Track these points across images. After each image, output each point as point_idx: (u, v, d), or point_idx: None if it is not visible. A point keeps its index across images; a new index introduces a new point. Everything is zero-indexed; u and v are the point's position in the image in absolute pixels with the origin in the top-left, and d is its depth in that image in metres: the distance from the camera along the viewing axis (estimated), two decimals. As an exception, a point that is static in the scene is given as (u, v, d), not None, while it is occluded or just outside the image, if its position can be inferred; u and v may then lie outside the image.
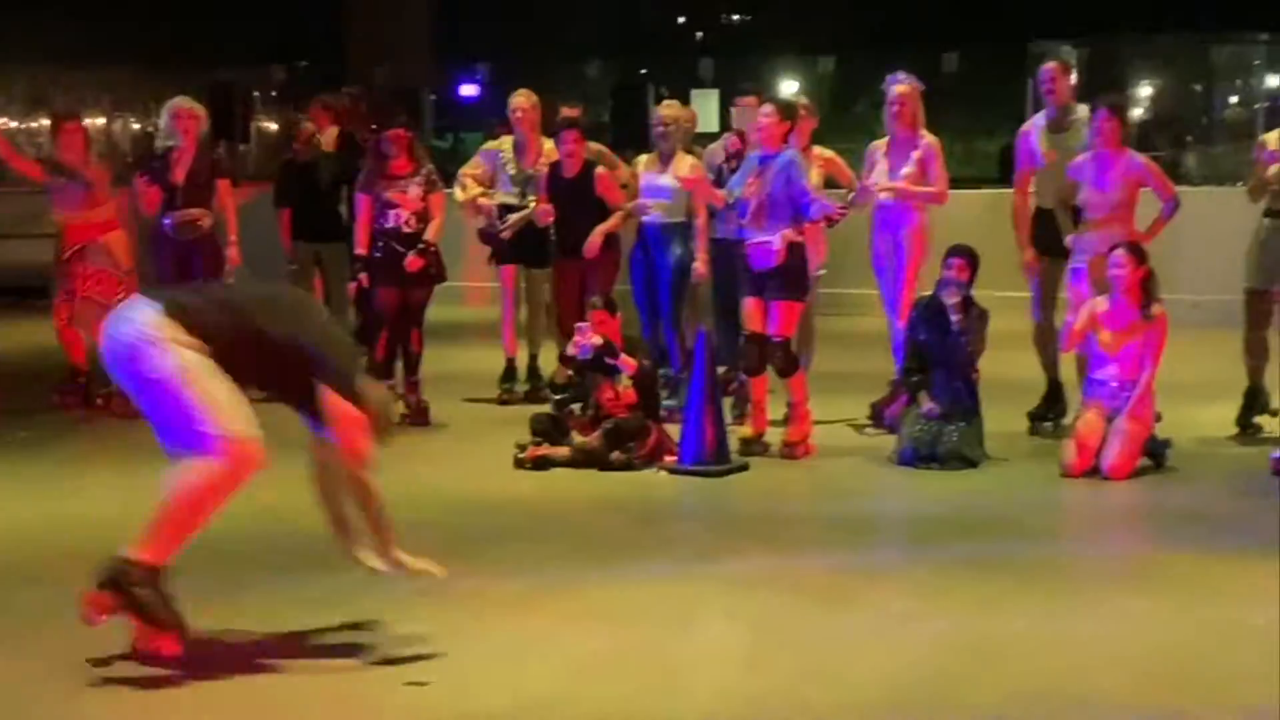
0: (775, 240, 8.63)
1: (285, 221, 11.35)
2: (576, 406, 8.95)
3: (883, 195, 9.51)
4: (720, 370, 9.21)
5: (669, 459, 8.52)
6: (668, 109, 10.30)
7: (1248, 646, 5.41)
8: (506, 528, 7.38)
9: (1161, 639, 5.57)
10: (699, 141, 11.24)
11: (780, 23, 32.28)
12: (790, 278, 8.77)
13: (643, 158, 10.41)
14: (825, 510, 7.71)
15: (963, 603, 6.06)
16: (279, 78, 24.14)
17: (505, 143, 10.81)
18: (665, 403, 9.36)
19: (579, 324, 8.84)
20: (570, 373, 9.42)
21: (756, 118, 8.94)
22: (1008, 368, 9.68)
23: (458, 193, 10.70)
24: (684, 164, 10.02)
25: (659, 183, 10.07)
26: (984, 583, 6.31)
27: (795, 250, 8.75)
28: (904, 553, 6.86)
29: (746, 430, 8.94)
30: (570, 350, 8.77)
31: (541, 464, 8.51)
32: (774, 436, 8.95)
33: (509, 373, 10.81)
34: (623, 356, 8.69)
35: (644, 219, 10.16)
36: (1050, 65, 9.85)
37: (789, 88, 21.80)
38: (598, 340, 8.71)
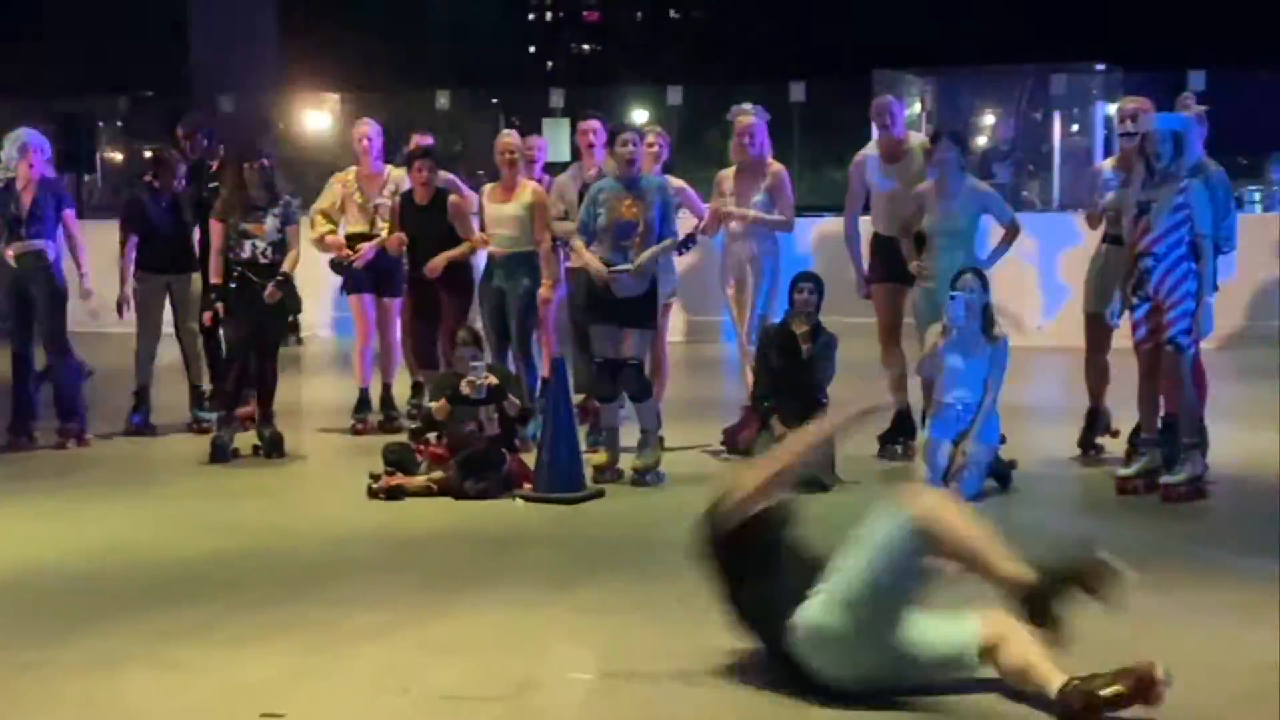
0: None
1: (128, 252, 11.18)
2: (431, 436, 8.92)
3: (732, 224, 9.65)
4: (577, 398, 9.25)
5: (524, 487, 8.53)
6: (508, 138, 10.31)
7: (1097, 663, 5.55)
8: (362, 558, 7.34)
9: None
10: (551, 171, 11.28)
11: (630, 53, 32.51)
12: (644, 304, 8.86)
13: (487, 187, 10.43)
14: (678, 535, 7.70)
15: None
16: (123, 108, 23.75)
17: (350, 173, 10.79)
18: (525, 431, 9.38)
19: (474, 364, 8.80)
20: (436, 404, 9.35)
21: (601, 143, 9.06)
22: (856, 392, 9.80)
23: (309, 229, 10.65)
24: (526, 192, 10.05)
25: (504, 212, 10.09)
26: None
27: (654, 279, 8.85)
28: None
29: (601, 457, 8.98)
30: (465, 390, 8.72)
31: (395, 494, 8.47)
32: (627, 463, 9.00)
33: (362, 403, 10.75)
34: (510, 398, 8.73)
35: (490, 248, 10.18)
36: (884, 98, 10.06)
37: (639, 117, 21.93)
38: (493, 381, 8.73)
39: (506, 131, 10.56)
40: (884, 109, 9.80)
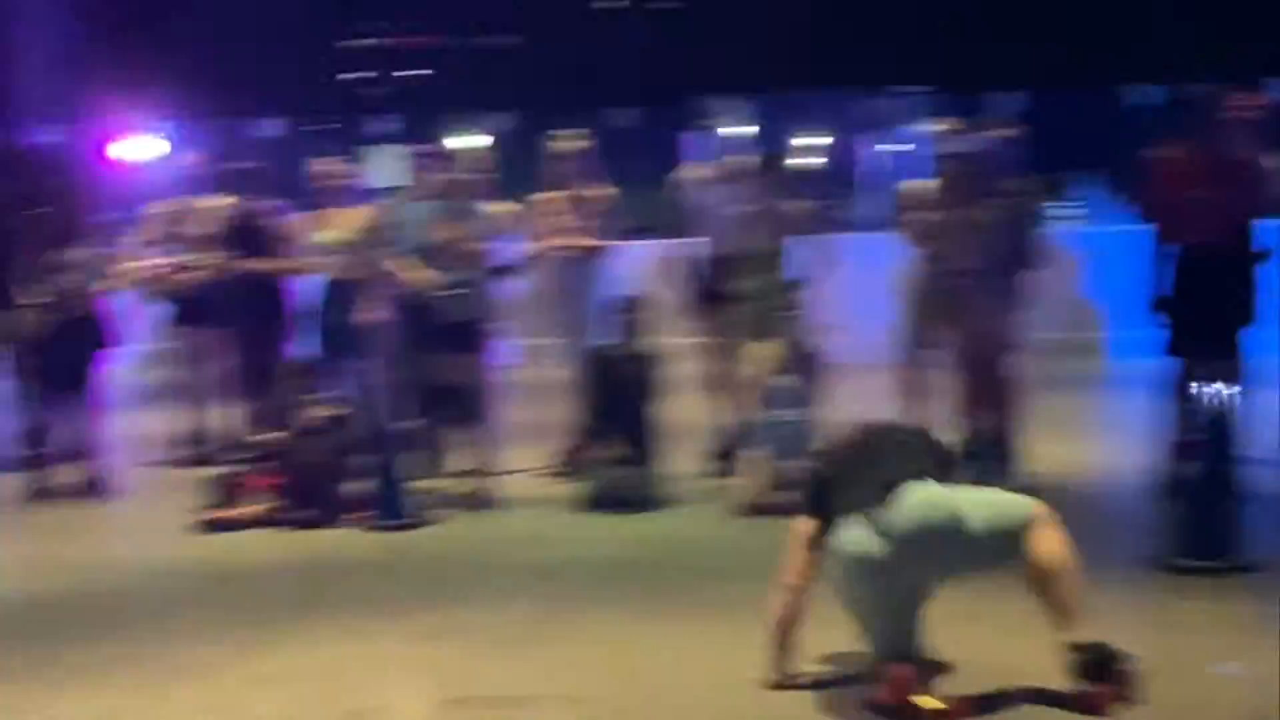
0: (474, 291, 8.82)
1: None
2: (262, 465, 8.82)
3: (560, 252, 9.71)
4: (410, 424, 9.21)
5: (355, 515, 8.47)
6: (326, 164, 10.23)
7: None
8: (189, 593, 7.24)
9: (843, 666, 5.74)
10: (379, 196, 11.23)
11: (461, 79, 32.43)
12: (474, 329, 8.89)
13: (309, 214, 10.34)
14: (512, 558, 7.77)
15: (642, 642, 6.20)
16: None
17: (178, 203, 10.65)
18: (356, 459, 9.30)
19: (306, 395, 8.72)
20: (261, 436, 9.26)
21: (437, 169, 9.05)
22: (684, 411, 9.90)
23: (129, 266, 10.47)
24: (350, 218, 9.98)
25: (326, 239, 10.01)
26: (662, 622, 6.46)
27: (486, 302, 8.91)
28: (590, 597, 6.95)
29: (436, 483, 8.95)
30: (300, 421, 8.64)
31: (226, 526, 8.37)
32: (462, 487, 8.98)
33: (189, 435, 10.59)
34: (342, 426, 8.71)
35: (319, 276, 10.10)
36: (709, 121, 10.21)
37: (468, 141, 21.93)
38: (327, 412, 8.66)
39: (325, 159, 10.48)
40: (715, 131, 9.96)
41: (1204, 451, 7.12)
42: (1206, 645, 5.86)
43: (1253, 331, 8.65)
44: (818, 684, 5.56)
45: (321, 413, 8.67)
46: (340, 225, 9.97)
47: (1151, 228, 8.74)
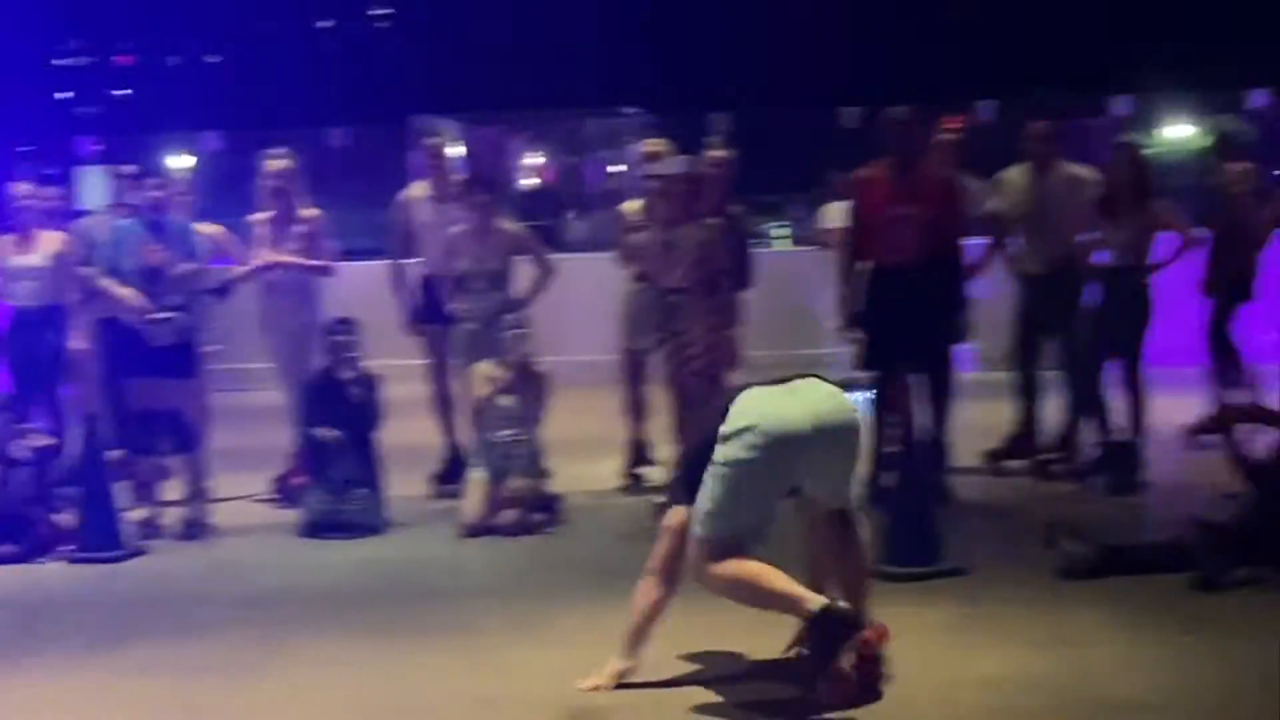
0: (180, 314, 8.62)
1: None
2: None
3: (272, 274, 9.57)
4: (121, 452, 8.98)
5: (64, 547, 8.21)
6: (23, 187, 9.89)
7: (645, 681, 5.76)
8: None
9: (551, 686, 5.78)
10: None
11: (167, 99, 31.74)
12: (183, 353, 8.70)
13: (3, 239, 9.96)
14: (228, 588, 7.62)
15: (365, 667, 6.15)
16: None
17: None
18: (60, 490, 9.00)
19: (19, 425, 8.41)
20: None
21: (143, 189, 8.85)
22: (406, 434, 9.86)
23: None
24: (49, 242, 9.67)
25: (22, 264, 9.67)
26: (390, 646, 6.42)
27: (192, 326, 8.72)
28: (310, 624, 6.86)
29: (144, 512, 8.72)
30: (15, 453, 8.32)
31: (-77, 563, 8.03)
32: (175, 516, 8.78)
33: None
34: (51, 459, 8.46)
35: (11, 302, 9.74)
36: (435, 143, 10.20)
37: (175, 162, 21.46)
38: (46, 442, 8.37)
39: (20, 182, 10.12)
40: (436, 150, 9.97)
41: (905, 461, 7.36)
42: (915, 648, 6.06)
43: (961, 347, 9.00)
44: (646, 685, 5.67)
45: (25, 444, 8.38)
46: (41, 249, 9.64)
47: (846, 246, 9.02)
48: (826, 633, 5.35)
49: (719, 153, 9.57)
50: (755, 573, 5.47)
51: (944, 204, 8.83)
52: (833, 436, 5.60)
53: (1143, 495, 8.84)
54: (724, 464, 5.52)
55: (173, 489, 9.06)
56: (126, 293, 8.68)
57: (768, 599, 5.48)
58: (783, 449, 5.52)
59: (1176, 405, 10.33)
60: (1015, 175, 9.68)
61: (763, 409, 5.57)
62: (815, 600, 5.40)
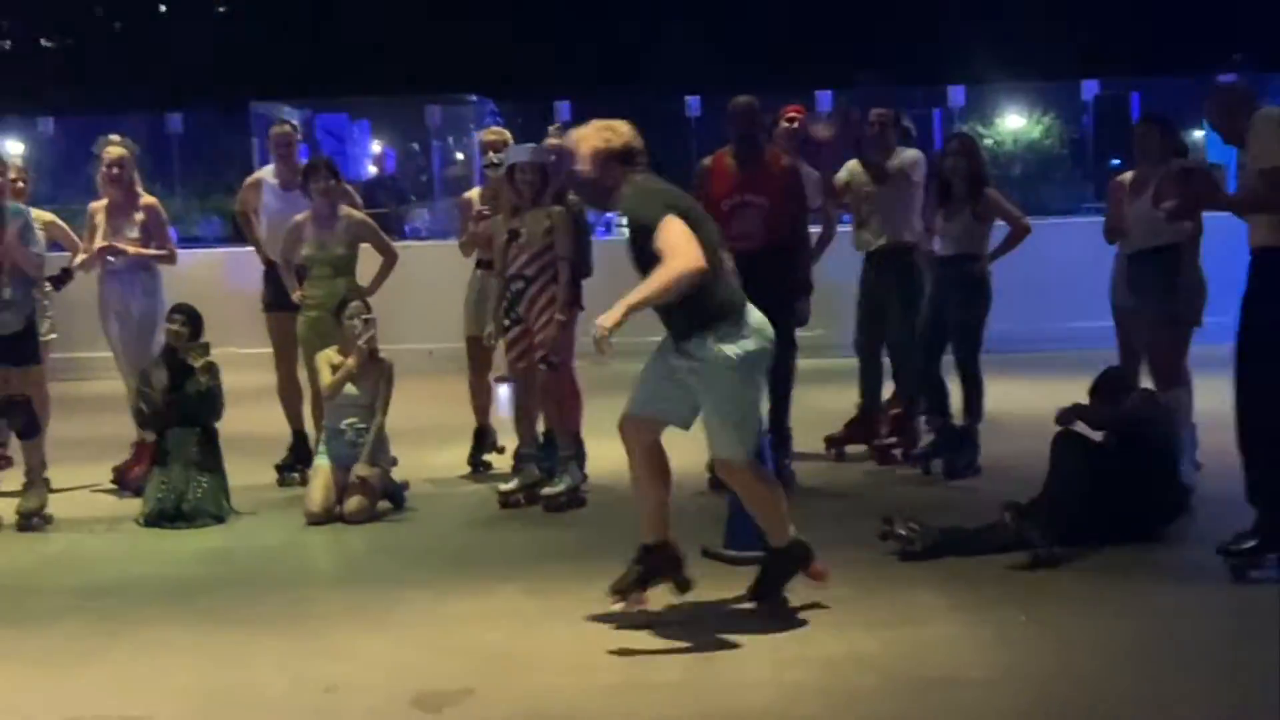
0: (23, 303, 8.55)
1: None
2: None
3: (111, 258, 9.44)
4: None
5: (-107, 541, 8.05)
6: None
7: (480, 665, 5.80)
8: None
9: (394, 672, 5.83)
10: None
11: (6, 80, 31.05)
12: (23, 340, 8.58)
13: None
14: (65, 578, 7.52)
15: (206, 655, 6.13)
16: None
17: None
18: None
19: None
20: None
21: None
22: (250, 422, 9.78)
23: None
24: None
25: None
26: (233, 633, 6.40)
27: (31, 314, 8.63)
28: (153, 613, 6.79)
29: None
30: None
31: None
32: (7, 507, 8.64)
33: None
34: None
35: None
36: (282, 130, 10.12)
37: (11, 147, 21.01)
38: None
39: None
40: (285, 137, 9.90)
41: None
42: (753, 629, 6.19)
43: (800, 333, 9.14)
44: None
45: None
46: None
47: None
48: (793, 559, 6.39)
49: (560, 140, 9.62)
50: (774, 486, 6.46)
51: (787, 192, 8.97)
52: None
53: (979, 479, 9.05)
54: (752, 381, 6.25)
55: (10, 479, 8.91)
56: None
57: (772, 512, 6.37)
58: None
59: (1013, 390, 10.59)
60: (851, 164, 9.86)
61: (764, 325, 6.24)
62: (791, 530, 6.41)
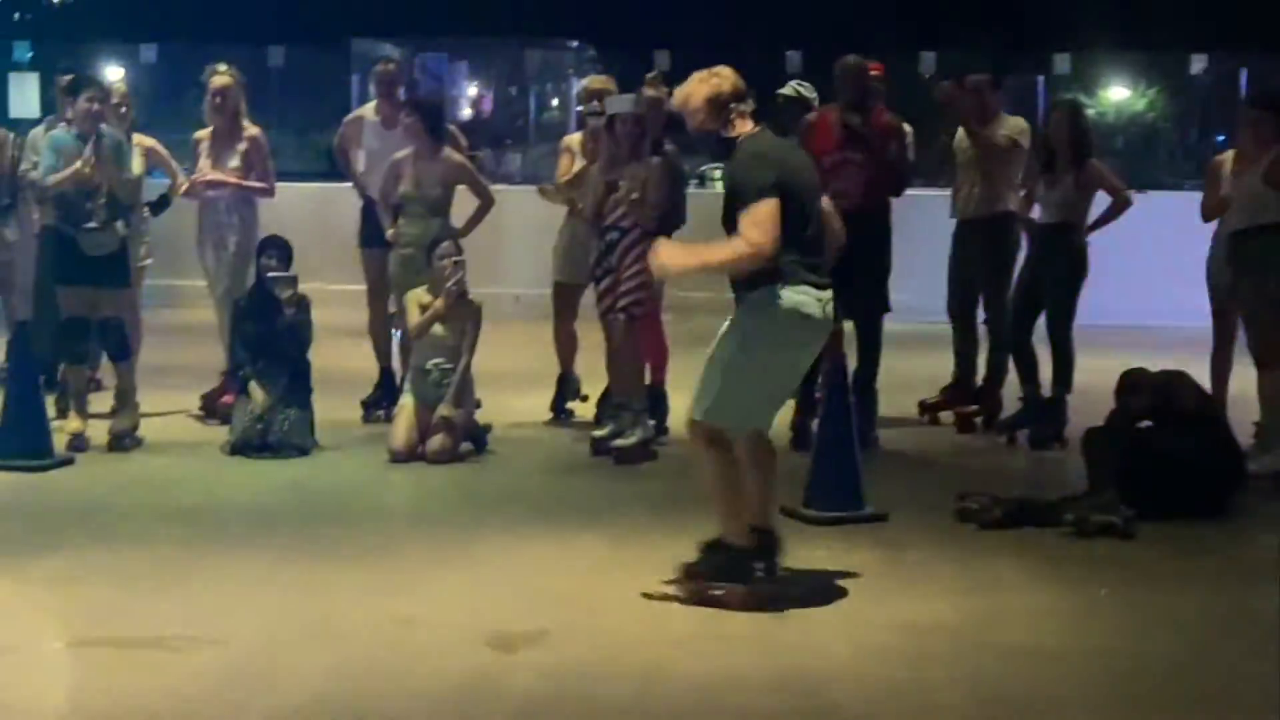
0: (120, 225, 8.60)
1: None
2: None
3: (211, 192, 9.52)
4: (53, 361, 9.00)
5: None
6: None
7: (554, 608, 5.82)
8: None
9: (470, 611, 5.87)
10: (17, 127, 10.79)
11: (104, 7, 31.31)
12: (117, 262, 8.68)
13: None
14: (154, 502, 7.63)
15: (286, 585, 6.19)
16: None
17: None
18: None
19: None
20: None
21: (85, 100, 8.77)
22: (339, 358, 9.85)
23: None
24: None
25: None
26: (312, 564, 6.47)
27: (126, 237, 8.74)
28: (235, 540, 6.88)
29: (74, 423, 8.68)
30: None
31: None
32: (103, 428, 8.76)
33: None
34: None
35: None
36: (386, 68, 10.13)
37: (113, 74, 21.22)
38: None
39: None
40: (388, 75, 9.92)
41: (831, 407, 7.43)
42: (829, 590, 6.18)
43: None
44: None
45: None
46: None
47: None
48: (730, 564, 6.00)
49: (657, 91, 9.56)
50: (728, 474, 6.08)
51: (890, 151, 8.91)
52: None
53: (1064, 450, 8.97)
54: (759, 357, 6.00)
55: (99, 402, 9.04)
56: (65, 175, 8.58)
57: (720, 499, 6.08)
58: None
59: (1105, 364, 10.45)
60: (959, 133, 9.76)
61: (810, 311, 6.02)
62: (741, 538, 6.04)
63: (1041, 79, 20.24)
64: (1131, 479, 7.19)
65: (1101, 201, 9.34)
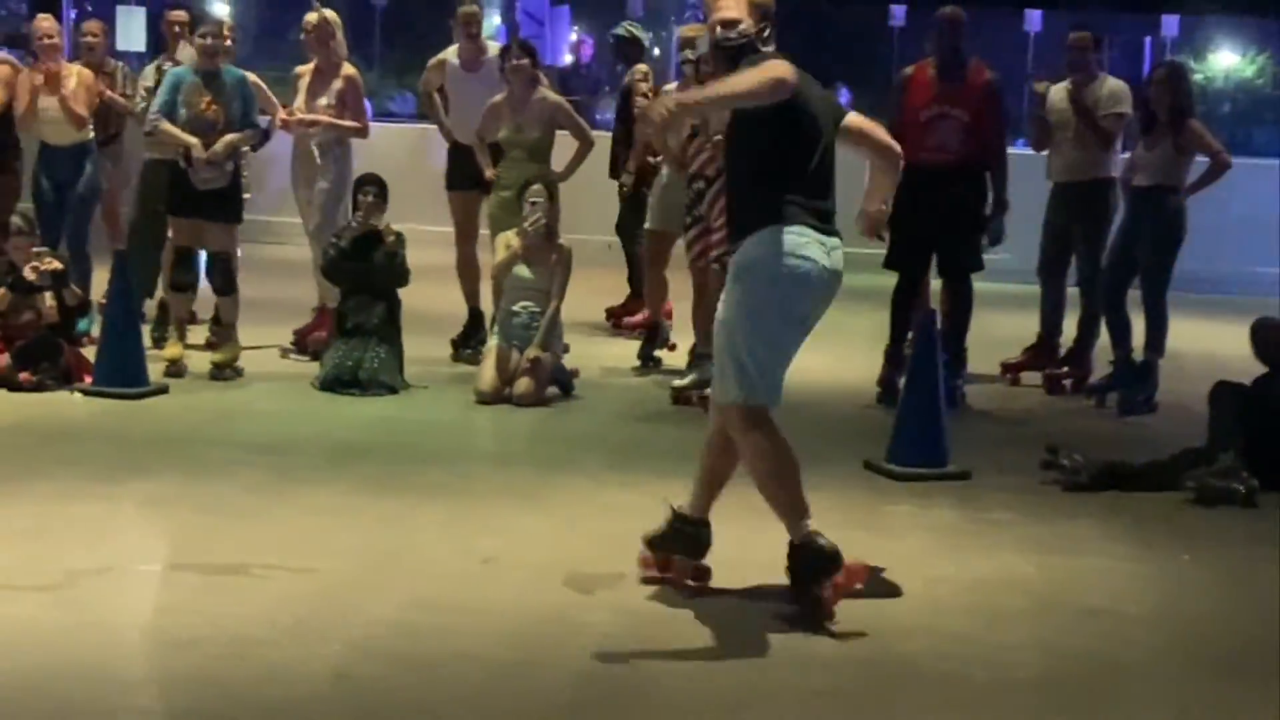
0: (227, 162, 8.77)
1: None
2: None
3: (300, 128, 9.60)
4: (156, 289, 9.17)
5: (84, 381, 8.33)
6: (44, 21, 9.87)
7: (632, 553, 5.86)
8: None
9: (549, 551, 5.93)
10: (123, 58, 10.95)
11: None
12: (227, 197, 8.82)
13: (26, 73, 9.92)
14: (242, 432, 7.75)
15: (370, 518, 6.29)
16: None
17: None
18: (81, 326, 9.13)
19: (36, 249, 8.49)
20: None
21: (203, 36, 8.90)
22: (429, 299, 9.93)
23: None
24: (74, 78, 9.68)
25: (48, 102, 9.67)
26: (396, 500, 6.55)
27: (237, 172, 8.88)
28: (321, 473, 6.98)
29: (174, 350, 8.84)
30: (29, 275, 8.42)
31: (-56, 386, 8.17)
32: (200, 357, 8.92)
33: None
34: (71, 287, 8.49)
35: (43, 140, 9.77)
36: (469, 10, 10.14)
37: (219, 10, 21.39)
38: (57, 266, 8.47)
39: (43, 15, 10.09)
40: (471, 18, 9.94)
41: (918, 363, 7.41)
42: (908, 546, 6.18)
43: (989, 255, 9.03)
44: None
45: (56, 268, 8.47)
46: (67, 85, 9.65)
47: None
48: (816, 557, 5.23)
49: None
50: (782, 456, 5.37)
51: (987, 107, 8.83)
52: None
53: (1153, 416, 8.90)
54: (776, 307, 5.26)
55: (202, 331, 9.20)
56: (178, 133, 8.71)
57: (778, 491, 5.34)
58: None
59: (1201, 330, 10.35)
60: (1056, 87, 9.66)
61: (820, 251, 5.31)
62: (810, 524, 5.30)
63: (1149, 40, 19.94)
64: (1252, 437, 7.09)
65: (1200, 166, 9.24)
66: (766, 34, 5.24)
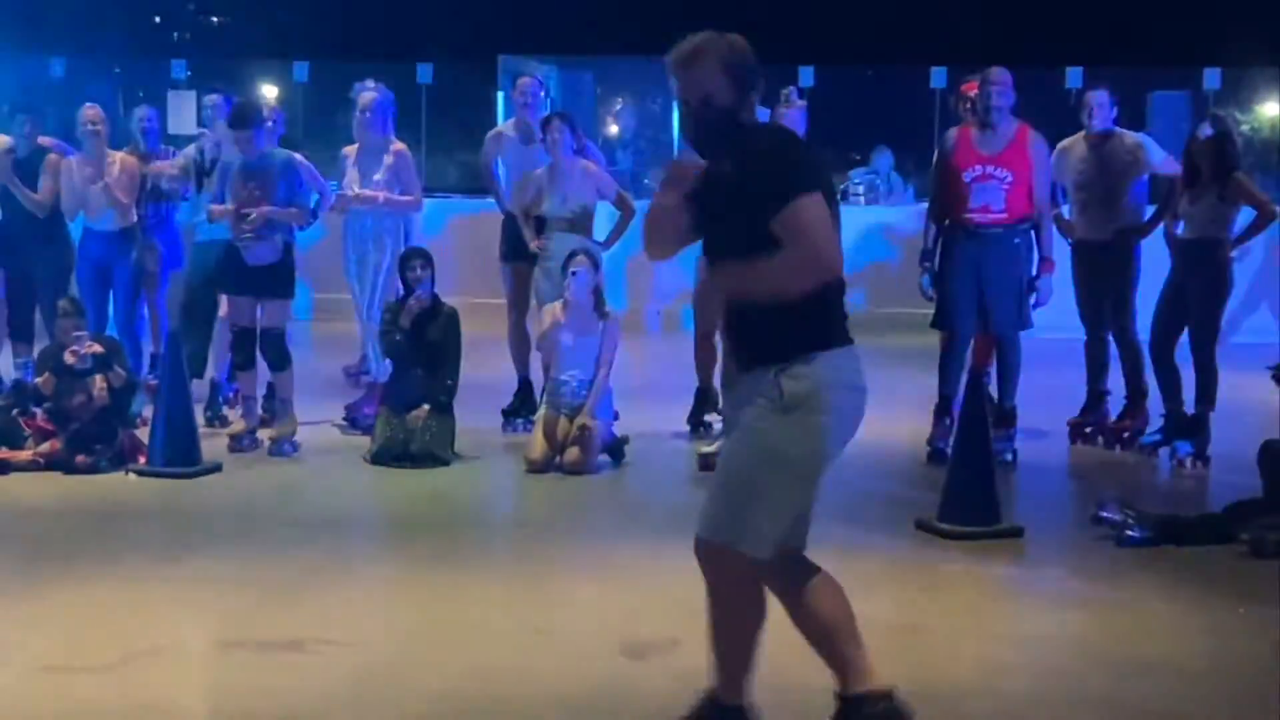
0: (277, 238, 8.87)
1: None
2: (38, 410, 8.65)
3: (357, 203, 9.70)
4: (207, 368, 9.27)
5: (138, 461, 8.41)
6: (90, 109, 10.04)
7: (687, 618, 5.83)
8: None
9: (603, 619, 5.96)
10: (176, 143, 11.10)
11: (256, 26, 31.96)
12: (279, 273, 8.91)
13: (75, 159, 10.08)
14: (297, 509, 7.79)
15: (424, 591, 6.31)
16: None
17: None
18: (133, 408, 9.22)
19: (77, 333, 8.60)
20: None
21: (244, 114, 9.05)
22: (479, 368, 9.97)
23: None
24: (118, 164, 9.86)
25: (93, 187, 9.84)
26: (450, 573, 6.57)
27: (289, 249, 8.99)
28: (373, 548, 7.02)
29: (238, 425, 8.96)
30: (68, 359, 8.52)
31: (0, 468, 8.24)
32: (257, 434, 8.99)
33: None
34: (115, 369, 8.57)
35: (86, 225, 9.94)
36: (525, 81, 10.27)
37: (265, 91, 21.67)
38: (97, 349, 8.56)
39: (89, 104, 10.26)
40: (526, 90, 10.06)
41: (967, 422, 7.39)
42: (963, 604, 6.15)
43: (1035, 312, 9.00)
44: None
45: (97, 351, 8.56)
46: (112, 171, 9.81)
47: (931, 204, 9.10)
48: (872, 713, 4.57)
49: (789, 107, 9.59)
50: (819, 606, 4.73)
51: (1033, 167, 8.83)
52: None
53: (1206, 468, 8.84)
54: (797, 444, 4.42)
55: (255, 407, 9.28)
56: (226, 209, 8.88)
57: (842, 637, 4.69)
58: None
59: (1252, 382, 10.24)
60: (1073, 143, 9.62)
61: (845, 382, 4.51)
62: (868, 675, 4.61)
63: (1189, 94, 19.90)
64: None
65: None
66: (747, 104, 4.46)
